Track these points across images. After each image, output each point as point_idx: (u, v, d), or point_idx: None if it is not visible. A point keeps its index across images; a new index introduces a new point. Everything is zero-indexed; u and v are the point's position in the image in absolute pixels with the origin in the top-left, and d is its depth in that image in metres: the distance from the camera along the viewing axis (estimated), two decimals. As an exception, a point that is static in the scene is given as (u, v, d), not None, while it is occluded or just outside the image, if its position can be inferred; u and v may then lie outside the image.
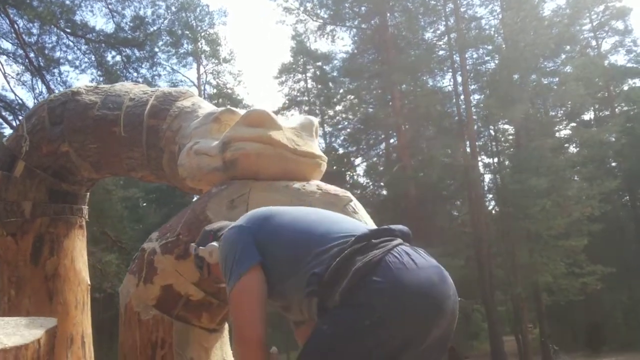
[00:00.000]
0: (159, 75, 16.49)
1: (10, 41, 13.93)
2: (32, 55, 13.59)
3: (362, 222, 2.34)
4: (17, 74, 14.99)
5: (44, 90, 14.07)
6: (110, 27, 15.03)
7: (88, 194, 3.68)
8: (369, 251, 1.48)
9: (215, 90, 28.04)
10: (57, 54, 13.86)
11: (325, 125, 26.74)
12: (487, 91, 23.38)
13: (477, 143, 23.17)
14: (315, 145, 2.67)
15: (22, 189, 3.28)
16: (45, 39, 13.47)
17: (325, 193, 2.45)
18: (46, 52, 13.91)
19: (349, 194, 2.48)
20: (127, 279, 2.59)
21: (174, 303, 2.49)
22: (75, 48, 13.70)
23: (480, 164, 23.64)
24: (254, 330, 1.54)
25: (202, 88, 27.43)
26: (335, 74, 27.34)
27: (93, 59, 13.66)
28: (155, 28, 14.41)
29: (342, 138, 27.18)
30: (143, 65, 13.99)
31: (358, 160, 27.26)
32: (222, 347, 2.68)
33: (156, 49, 15.24)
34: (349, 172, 26.31)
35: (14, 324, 2.12)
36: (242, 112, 2.76)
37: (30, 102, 14.42)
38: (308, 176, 2.61)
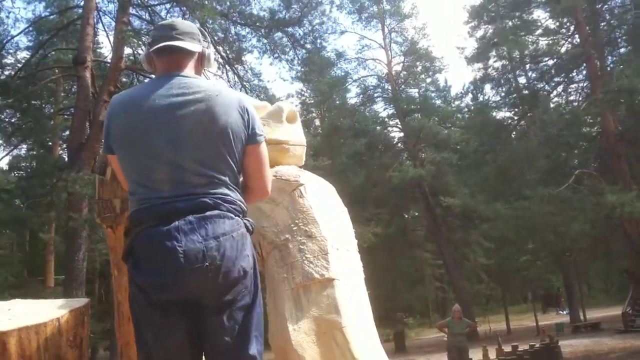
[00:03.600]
0: (323, 48, 17.14)
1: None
2: (220, 49, 15.42)
3: (304, 207, 2.42)
4: (217, 69, 16.98)
5: (236, 79, 15.87)
6: (275, 5, 15.93)
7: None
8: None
9: (402, 49, 27.93)
10: (242, 44, 15.52)
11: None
12: None
13: None
14: (283, 131, 2.75)
15: (111, 189, 4.02)
16: (228, 35, 15.18)
17: (278, 179, 2.55)
18: (233, 46, 15.62)
19: (301, 179, 2.54)
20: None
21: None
22: (250, 36, 15.21)
23: None
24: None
25: (389, 48, 27.55)
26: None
27: (265, 41, 15.01)
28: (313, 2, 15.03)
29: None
30: (307, 41, 14.86)
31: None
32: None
33: (317, 22, 15.82)
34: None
35: (48, 306, 2.75)
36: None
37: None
38: (277, 162, 2.71)
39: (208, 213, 1.75)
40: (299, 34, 14.92)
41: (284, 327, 2.17)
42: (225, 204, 1.79)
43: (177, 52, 1.90)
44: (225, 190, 1.82)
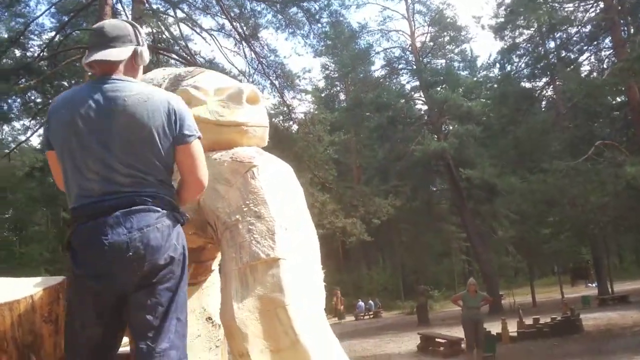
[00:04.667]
0: (341, 22, 16.91)
1: (221, 17, 15.99)
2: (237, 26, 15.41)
3: (255, 188, 2.48)
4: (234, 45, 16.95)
5: (253, 55, 15.87)
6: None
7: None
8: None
9: (427, 18, 27.36)
10: (257, 21, 15.48)
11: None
12: None
13: None
14: (243, 113, 2.78)
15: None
16: (244, 11, 15.15)
17: (233, 161, 2.60)
18: (249, 22, 15.57)
19: (255, 161, 2.58)
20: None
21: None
22: (265, 12, 15.15)
23: None
24: None
25: (412, 19, 27.03)
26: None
27: (280, 17, 14.94)
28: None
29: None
30: (323, 15, 14.73)
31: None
32: (201, 298, 3.10)
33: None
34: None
35: (25, 284, 2.89)
36: (194, 92, 3.00)
37: (245, 68, 16.40)
38: (236, 143, 2.76)
39: (134, 208, 1.90)
40: (315, 8, 14.85)
41: (230, 305, 2.25)
42: (151, 200, 1.94)
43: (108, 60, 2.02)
44: (153, 188, 1.96)
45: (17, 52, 17.33)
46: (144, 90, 2.01)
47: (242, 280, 2.30)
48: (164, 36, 15.70)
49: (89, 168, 1.93)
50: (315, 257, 2.58)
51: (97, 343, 2.01)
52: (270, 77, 15.55)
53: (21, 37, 15.87)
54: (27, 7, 17.59)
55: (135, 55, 2.08)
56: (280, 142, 14.15)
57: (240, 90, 2.81)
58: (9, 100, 17.26)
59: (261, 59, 15.53)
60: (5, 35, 18.27)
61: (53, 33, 16.97)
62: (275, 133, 14.70)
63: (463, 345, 11.79)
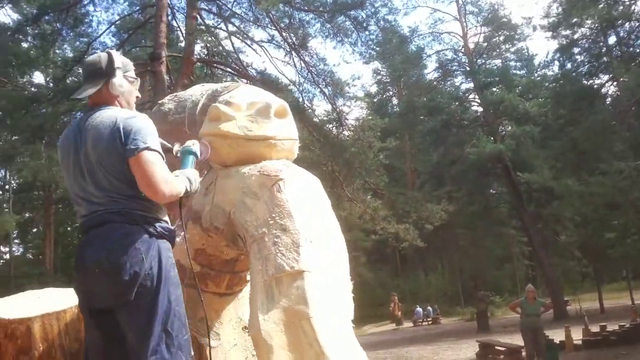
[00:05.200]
0: (387, 28, 16.81)
1: (271, 28, 16.28)
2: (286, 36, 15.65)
3: (281, 201, 2.52)
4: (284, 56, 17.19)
5: (303, 65, 16.06)
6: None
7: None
8: None
9: (480, 18, 26.78)
10: (306, 30, 15.66)
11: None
12: None
13: None
14: (271, 127, 2.84)
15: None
16: (293, 21, 15.37)
17: (261, 174, 2.66)
18: (298, 32, 15.78)
19: (281, 174, 2.62)
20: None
21: (183, 274, 3.08)
22: (314, 22, 15.30)
23: None
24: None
25: (464, 20, 26.53)
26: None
27: (328, 26, 15.02)
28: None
29: None
30: (371, 22, 14.72)
31: None
32: (237, 308, 3.16)
33: (379, 3, 15.63)
34: None
35: (71, 294, 3.05)
36: (224, 108, 3.07)
37: (295, 78, 16.60)
38: (265, 157, 2.82)
39: (105, 226, 2.08)
40: (362, 16, 14.87)
41: (256, 316, 2.29)
42: (120, 216, 2.09)
43: None
44: (121, 205, 2.11)
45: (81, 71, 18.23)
46: (101, 116, 2.20)
47: (268, 292, 2.34)
48: (217, 50, 16.14)
49: (77, 194, 2.22)
50: (343, 270, 2.58)
51: (101, 352, 2.15)
52: (320, 85, 15.67)
53: (85, 56, 16.73)
54: (90, 27, 18.51)
55: (107, 86, 2.28)
56: (331, 150, 14.23)
57: (268, 105, 2.87)
58: (76, 117, 18.20)
59: (310, 68, 15.69)
60: (71, 55, 19.35)
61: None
62: (326, 140, 14.80)
63: (524, 354, 11.40)
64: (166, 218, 2.31)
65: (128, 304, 2.02)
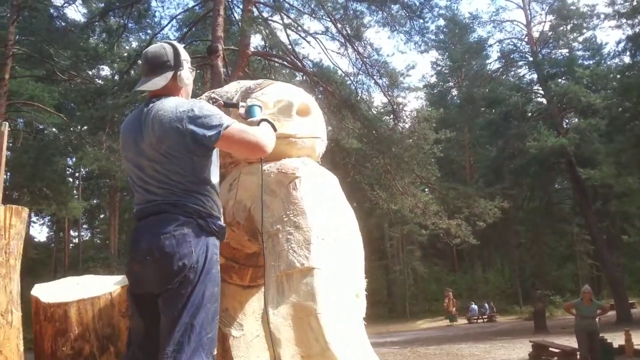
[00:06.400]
0: (447, 16, 16.34)
1: (325, 20, 16.29)
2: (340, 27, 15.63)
3: (296, 198, 2.58)
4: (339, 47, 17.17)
5: (357, 56, 15.99)
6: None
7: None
8: None
9: (545, 6, 25.70)
10: (361, 21, 15.58)
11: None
12: None
13: None
14: (292, 125, 2.89)
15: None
16: (348, 12, 15.32)
17: (279, 172, 2.72)
18: (353, 23, 15.71)
19: (298, 172, 2.67)
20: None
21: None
22: (368, 12, 15.21)
23: None
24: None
25: (528, 8, 25.53)
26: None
27: (383, 15, 14.87)
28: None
29: None
30: (425, 10, 14.43)
31: None
32: (260, 300, 3.24)
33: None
34: None
35: (107, 281, 3.23)
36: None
37: (350, 69, 16.57)
38: (286, 154, 2.88)
39: (160, 216, 2.13)
40: (415, 4, 14.59)
41: (267, 311, 2.36)
42: (175, 208, 2.13)
43: None
44: (177, 197, 2.16)
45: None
46: (164, 107, 2.21)
47: (279, 287, 2.41)
48: (274, 42, 16.30)
49: (135, 183, 2.27)
50: (357, 267, 2.61)
51: (143, 335, 2.24)
52: (374, 77, 15.54)
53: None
54: (153, 21, 19.16)
55: (175, 78, 2.30)
56: (380, 142, 14.12)
57: (290, 103, 2.93)
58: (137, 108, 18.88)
59: (365, 59, 15.57)
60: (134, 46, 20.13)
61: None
62: (377, 133, 14.70)
63: (579, 357, 10.98)
64: (218, 214, 2.31)
65: (169, 291, 2.09)
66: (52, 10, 20.02)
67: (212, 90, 4.52)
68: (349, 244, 2.63)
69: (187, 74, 2.35)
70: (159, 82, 2.27)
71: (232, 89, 4.05)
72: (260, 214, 2.65)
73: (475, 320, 26.19)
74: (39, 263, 29.05)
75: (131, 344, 2.30)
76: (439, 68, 37.76)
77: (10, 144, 24.87)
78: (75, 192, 28.80)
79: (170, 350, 2.03)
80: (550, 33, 25.91)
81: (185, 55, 2.38)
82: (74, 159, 25.22)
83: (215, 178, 2.32)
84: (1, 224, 2.65)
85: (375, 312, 37.11)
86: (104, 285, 3.17)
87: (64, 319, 2.94)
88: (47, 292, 3.09)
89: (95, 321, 3.02)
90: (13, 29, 19.46)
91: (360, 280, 2.60)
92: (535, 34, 25.76)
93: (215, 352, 2.16)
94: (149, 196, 2.19)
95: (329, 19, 15.96)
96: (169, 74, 2.28)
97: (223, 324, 3.11)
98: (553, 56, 25.82)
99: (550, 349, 12.70)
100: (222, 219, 2.33)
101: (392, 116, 16.58)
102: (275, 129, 2.45)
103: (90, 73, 21.06)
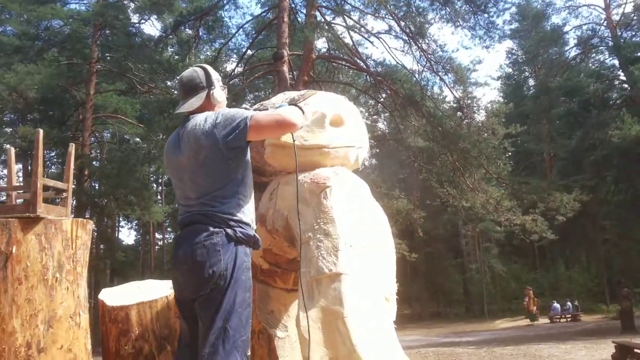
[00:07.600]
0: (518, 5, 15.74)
1: (389, 19, 16.23)
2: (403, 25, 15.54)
3: (326, 207, 2.71)
4: (403, 45, 17.08)
5: (421, 53, 15.83)
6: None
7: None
8: None
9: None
10: (424, 17, 15.41)
11: None
12: None
13: None
14: (325, 136, 3.02)
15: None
16: (411, 10, 15.20)
17: (312, 182, 2.86)
18: (416, 20, 15.57)
19: (329, 182, 2.80)
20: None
21: (255, 271, 3.40)
22: (430, 9, 15.01)
23: None
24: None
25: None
26: None
27: (447, 11, 14.61)
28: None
29: None
30: (490, 4, 13.99)
31: None
32: (303, 303, 3.41)
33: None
34: None
35: (164, 285, 3.50)
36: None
37: (414, 66, 16.44)
38: (320, 164, 3.02)
39: (193, 226, 2.34)
40: (479, -1, 14.25)
41: (299, 314, 2.51)
42: (205, 218, 2.32)
43: None
44: (208, 208, 2.35)
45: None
46: (196, 121, 2.44)
47: (309, 292, 2.54)
48: (337, 44, 16.46)
49: (178, 195, 2.52)
50: (387, 272, 2.70)
51: (189, 336, 2.44)
52: (439, 73, 15.33)
53: (216, 60, 18.07)
54: (222, 32, 19.89)
55: (208, 97, 2.54)
56: (445, 139, 13.90)
57: (323, 115, 3.06)
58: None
59: (429, 56, 15.39)
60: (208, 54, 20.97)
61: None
62: (443, 129, 14.48)
63: (667, 360, 10.30)
64: (248, 220, 2.44)
65: (202, 297, 2.28)
66: (129, 28, 21.30)
67: (261, 103, 4.74)
68: (379, 249, 2.72)
69: (219, 92, 2.57)
70: (194, 102, 2.51)
71: (279, 100, 4.24)
72: (296, 222, 2.80)
73: (558, 320, 25.06)
74: (128, 265, 30.95)
75: (180, 344, 2.52)
76: (514, 57, 36.40)
77: (98, 154, 26.72)
78: (158, 197, 30.39)
79: (207, 352, 2.20)
80: (632, 15, 24.33)
81: (216, 75, 2.60)
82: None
83: (248, 185, 2.48)
84: (69, 235, 2.96)
85: (452, 312, 36.41)
86: (161, 289, 3.45)
87: (126, 321, 3.24)
88: (112, 296, 3.41)
89: (154, 322, 3.29)
90: (95, 47, 20.89)
91: (390, 284, 2.69)
92: (615, 17, 24.29)
93: (249, 353, 2.32)
94: (187, 208, 2.41)
95: (391, 18, 15.91)
96: (203, 94, 2.52)
97: (269, 325, 3.29)
98: (636, 39, 24.22)
99: (636, 350, 11.96)
100: (253, 225, 2.47)
101: (459, 113, 16.26)
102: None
103: (168, 84, 22.21)
